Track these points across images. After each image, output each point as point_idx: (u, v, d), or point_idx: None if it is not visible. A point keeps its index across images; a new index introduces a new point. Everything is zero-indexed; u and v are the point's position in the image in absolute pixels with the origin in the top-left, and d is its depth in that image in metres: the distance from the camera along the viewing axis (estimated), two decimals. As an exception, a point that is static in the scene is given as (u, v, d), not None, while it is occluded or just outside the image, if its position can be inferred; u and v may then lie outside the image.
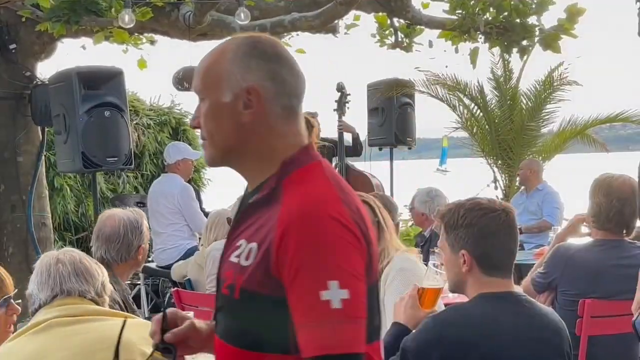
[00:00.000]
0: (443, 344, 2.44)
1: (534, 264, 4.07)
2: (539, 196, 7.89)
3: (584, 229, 3.90)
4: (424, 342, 2.47)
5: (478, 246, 2.53)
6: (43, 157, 7.06)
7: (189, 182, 7.64)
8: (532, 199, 7.88)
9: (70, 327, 2.42)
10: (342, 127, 7.32)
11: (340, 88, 7.31)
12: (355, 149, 7.66)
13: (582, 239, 3.89)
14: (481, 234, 2.53)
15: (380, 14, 7.36)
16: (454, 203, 2.65)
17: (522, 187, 8.16)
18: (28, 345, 2.41)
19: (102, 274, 2.60)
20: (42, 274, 2.53)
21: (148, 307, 7.30)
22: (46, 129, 7.05)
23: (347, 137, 7.66)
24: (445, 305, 3.15)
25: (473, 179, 9.75)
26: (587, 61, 8.98)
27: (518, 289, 2.81)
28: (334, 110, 7.33)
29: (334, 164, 7.38)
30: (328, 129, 7.54)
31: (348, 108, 7.37)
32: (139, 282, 7.38)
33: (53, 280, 2.49)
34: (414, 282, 3.04)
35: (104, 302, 2.59)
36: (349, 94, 7.36)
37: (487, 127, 9.21)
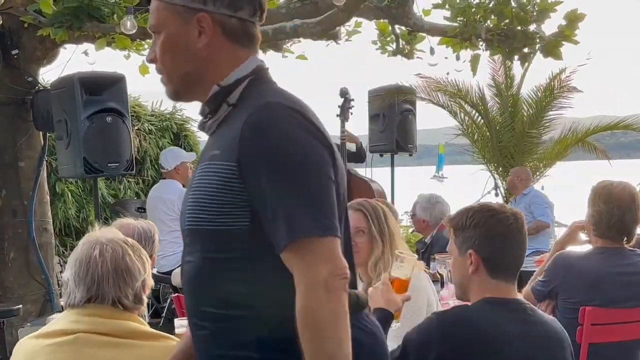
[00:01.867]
0: (443, 342, 2.44)
1: (534, 270, 4.08)
2: (525, 200, 8.04)
3: (583, 237, 3.91)
4: (426, 337, 2.48)
5: (486, 246, 2.54)
6: (44, 163, 7.06)
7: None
8: (519, 205, 7.97)
9: (99, 350, 2.28)
10: (345, 138, 7.31)
11: (344, 93, 7.31)
12: (359, 156, 7.65)
13: (582, 247, 3.90)
14: (489, 234, 2.54)
15: (381, 21, 7.36)
16: (464, 207, 2.67)
17: (512, 197, 8.30)
18: (52, 357, 2.29)
19: (144, 272, 2.43)
20: (81, 265, 2.35)
21: (149, 312, 7.30)
22: (48, 135, 7.06)
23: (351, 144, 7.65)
24: None
25: (474, 186, 9.75)
26: (588, 67, 8.98)
27: (521, 297, 2.81)
28: (337, 115, 7.33)
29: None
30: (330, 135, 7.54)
31: (351, 114, 7.37)
32: (139, 288, 7.37)
33: (91, 278, 2.33)
34: (412, 294, 3.07)
35: (140, 307, 2.43)
36: (353, 99, 7.36)
37: (488, 134, 9.22)
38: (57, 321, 2.41)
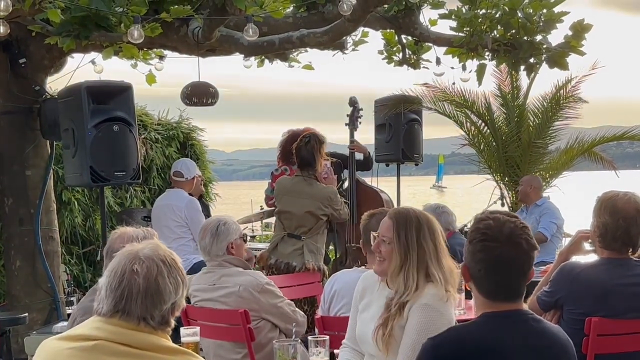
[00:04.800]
0: None
1: (539, 281, 4.07)
2: (538, 211, 8.00)
3: (587, 246, 3.91)
4: None
5: (473, 269, 2.54)
6: (51, 171, 7.09)
7: (200, 197, 7.75)
8: (531, 215, 7.93)
9: (117, 359, 2.27)
10: (354, 148, 7.32)
11: (353, 102, 7.34)
12: (366, 164, 7.66)
13: (587, 257, 3.89)
14: (477, 259, 2.52)
15: (388, 30, 7.38)
16: (484, 214, 2.62)
17: (523, 205, 8.25)
18: None
19: (175, 294, 2.39)
20: (115, 277, 2.35)
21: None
22: (55, 143, 7.09)
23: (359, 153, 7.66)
24: (459, 321, 3.19)
25: (480, 196, 9.74)
26: (595, 76, 8.97)
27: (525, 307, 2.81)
28: (346, 124, 7.34)
29: (343, 178, 7.39)
30: (339, 144, 7.57)
31: (360, 123, 7.39)
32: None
33: (120, 293, 2.32)
34: (436, 321, 3.05)
35: (166, 328, 2.39)
36: (362, 109, 7.38)
37: (494, 143, 9.21)
38: (82, 325, 2.40)
